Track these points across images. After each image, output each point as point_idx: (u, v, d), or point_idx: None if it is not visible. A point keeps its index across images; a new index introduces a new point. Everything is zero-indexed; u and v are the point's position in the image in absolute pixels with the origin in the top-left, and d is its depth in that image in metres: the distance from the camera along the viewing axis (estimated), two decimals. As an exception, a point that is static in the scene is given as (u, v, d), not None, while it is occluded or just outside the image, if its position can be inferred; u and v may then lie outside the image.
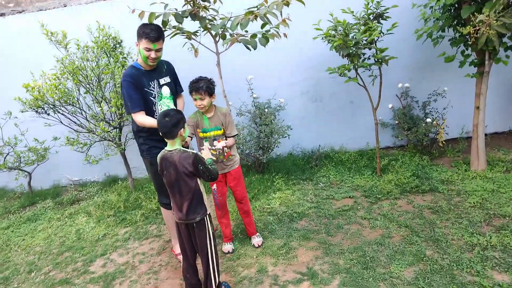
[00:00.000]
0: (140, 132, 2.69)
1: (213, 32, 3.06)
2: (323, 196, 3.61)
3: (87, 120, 3.92)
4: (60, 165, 4.74)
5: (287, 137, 3.97)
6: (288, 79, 4.45)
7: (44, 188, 4.86)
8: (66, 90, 3.61)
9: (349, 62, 3.51)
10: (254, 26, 2.79)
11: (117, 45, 3.94)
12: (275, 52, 4.26)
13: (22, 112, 3.56)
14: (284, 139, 4.17)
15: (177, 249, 2.95)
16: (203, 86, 2.54)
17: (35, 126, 4.26)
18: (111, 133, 3.86)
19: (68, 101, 3.60)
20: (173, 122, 2.10)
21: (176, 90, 2.89)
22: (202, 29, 3.13)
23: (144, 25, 2.54)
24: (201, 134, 2.72)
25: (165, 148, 2.20)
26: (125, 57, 3.99)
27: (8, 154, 4.19)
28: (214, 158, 2.53)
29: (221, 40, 3.11)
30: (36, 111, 3.66)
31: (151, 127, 2.51)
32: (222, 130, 2.71)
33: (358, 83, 3.57)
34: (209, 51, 3.15)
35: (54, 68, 3.61)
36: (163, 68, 2.76)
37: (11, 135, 4.28)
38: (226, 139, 2.71)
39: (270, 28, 2.91)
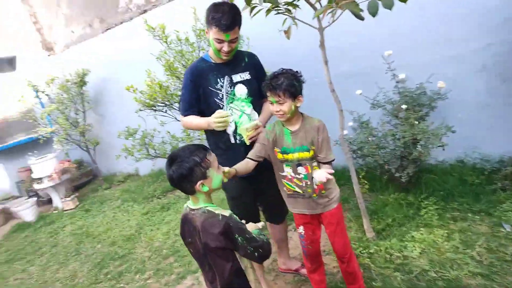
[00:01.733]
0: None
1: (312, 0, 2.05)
2: (505, 255, 2.12)
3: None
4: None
5: (441, 147, 2.49)
6: (452, 49, 2.83)
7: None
8: (168, 88, 3.42)
9: None
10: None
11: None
12: (427, 8, 2.73)
13: (139, 111, 3.63)
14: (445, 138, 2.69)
15: (287, 264, 2.50)
16: (282, 84, 1.69)
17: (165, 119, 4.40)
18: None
19: (172, 99, 3.41)
20: (179, 173, 1.33)
21: (261, 90, 2.12)
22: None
23: (214, 5, 1.85)
24: (279, 156, 1.86)
25: (187, 203, 1.49)
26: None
27: (148, 145, 4.54)
28: (260, 226, 1.67)
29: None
30: (152, 109, 3.67)
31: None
32: (312, 152, 1.78)
33: None
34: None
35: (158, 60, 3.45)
36: (242, 61, 2.05)
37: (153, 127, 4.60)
38: (318, 166, 1.81)
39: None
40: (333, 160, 1.80)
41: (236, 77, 2.00)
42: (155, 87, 3.34)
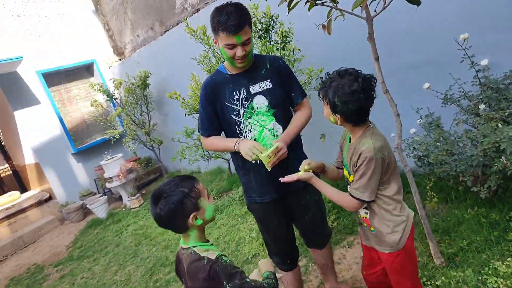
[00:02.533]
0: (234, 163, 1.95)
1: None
2: None
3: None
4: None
5: None
6: None
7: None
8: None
9: None
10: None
11: (271, 23, 3.14)
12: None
13: (188, 115, 3.57)
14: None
15: None
16: (327, 95, 1.38)
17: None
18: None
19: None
20: (168, 209, 1.18)
21: (290, 99, 1.85)
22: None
23: (216, 9, 1.62)
24: (344, 169, 1.61)
25: (180, 241, 1.33)
26: (285, 36, 3.13)
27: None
28: (272, 269, 1.41)
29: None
30: (199, 113, 3.58)
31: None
32: (352, 177, 1.47)
33: None
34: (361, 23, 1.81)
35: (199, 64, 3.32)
36: (262, 68, 1.78)
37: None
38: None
39: None
40: (360, 200, 1.40)
41: (254, 88, 1.74)
42: (199, 91, 3.24)
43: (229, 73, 1.77)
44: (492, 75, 2.32)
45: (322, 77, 1.47)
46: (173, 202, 1.19)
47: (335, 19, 1.91)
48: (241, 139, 1.73)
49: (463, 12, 2.48)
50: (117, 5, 6.55)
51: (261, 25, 3.12)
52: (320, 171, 1.61)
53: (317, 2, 1.88)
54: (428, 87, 2.45)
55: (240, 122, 1.75)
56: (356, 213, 1.55)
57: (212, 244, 1.34)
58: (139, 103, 5.79)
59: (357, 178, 1.40)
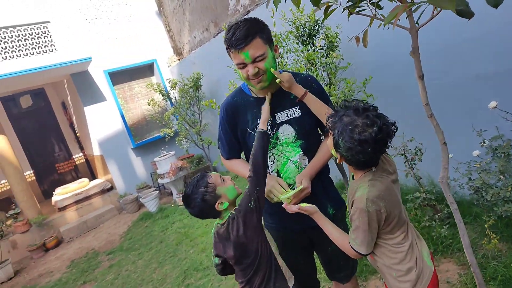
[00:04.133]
0: None
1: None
2: None
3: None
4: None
5: None
6: None
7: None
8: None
9: None
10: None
11: (315, 28, 2.91)
12: None
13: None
14: None
15: None
16: (333, 128, 1.19)
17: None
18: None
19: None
20: (198, 210, 1.44)
21: (322, 124, 1.61)
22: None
23: (228, 27, 1.48)
24: None
25: (216, 221, 1.53)
26: (331, 42, 2.88)
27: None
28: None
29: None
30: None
31: None
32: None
33: None
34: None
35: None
36: (290, 92, 1.57)
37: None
38: None
39: None
40: (358, 252, 1.22)
41: (281, 116, 1.57)
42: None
43: (253, 95, 1.61)
44: None
45: (343, 102, 1.26)
46: (198, 202, 1.42)
47: (364, 34, 1.66)
48: (277, 156, 1.60)
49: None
50: (177, 6, 6.78)
51: (305, 30, 2.91)
52: None
53: (356, 10, 1.67)
54: (495, 106, 2.05)
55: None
56: None
57: None
58: (191, 103, 5.94)
59: (353, 229, 1.22)
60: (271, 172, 1.61)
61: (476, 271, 1.74)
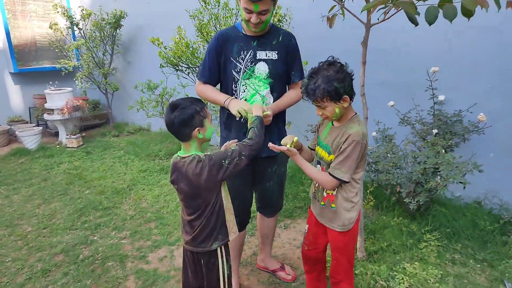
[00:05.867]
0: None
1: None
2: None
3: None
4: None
5: (461, 185, 2.25)
6: (503, 84, 2.56)
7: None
8: (196, 49, 3.24)
9: None
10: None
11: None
12: (495, 33, 2.49)
13: (162, 67, 3.49)
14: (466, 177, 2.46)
15: (266, 263, 2.36)
16: (318, 88, 1.42)
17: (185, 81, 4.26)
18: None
19: (197, 62, 3.24)
20: (181, 119, 1.43)
21: (288, 75, 1.95)
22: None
23: None
24: (317, 147, 1.71)
25: (179, 152, 1.55)
26: (279, 21, 3.20)
27: (163, 103, 4.43)
28: (260, 114, 1.68)
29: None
30: (175, 69, 3.52)
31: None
32: (332, 156, 1.56)
33: None
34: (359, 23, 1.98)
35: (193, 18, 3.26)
36: (274, 39, 1.86)
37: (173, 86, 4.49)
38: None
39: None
40: (341, 180, 1.51)
41: (261, 54, 1.83)
42: (182, 46, 3.18)
43: (243, 32, 1.84)
44: (445, 110, 2.67)
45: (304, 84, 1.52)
46: (187, 114, 1.42)
47: (332, 16, 2.06)
48: (232, 97, 1.81)
49: (439, 50, 2.79)
50: None
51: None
52: (298, 149, 1.72)
53: None
54: (392, 105, 2.73)
55: (238, 80, 1.83)
56: (322, 190, 1.67)
57: None
58: (104, 41, 5.42)
59: (341, 160, 1.48)
60: (240, 98, 1.85)
61: (361, 218, 2.34)
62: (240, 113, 1.70)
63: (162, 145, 5.05)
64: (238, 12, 3.18)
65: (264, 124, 1.65)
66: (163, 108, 4.49)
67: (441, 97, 2.65)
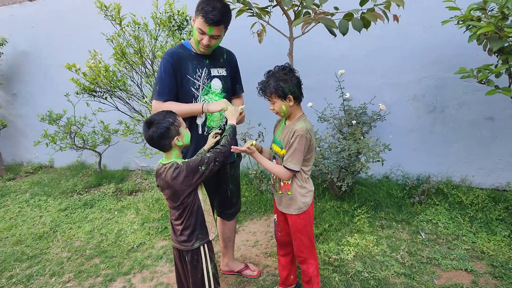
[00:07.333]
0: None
1: (285, 8, 2.16)
2: (421, 257, 2.45)
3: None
4: (130, 148, 4.48)
5: (379, 162, 2.80)
6: (395, 78, 3.24)
7: (115, 169, 4.79)
8: (115, 73, 3.17)
9: (501, 62, 2.21)
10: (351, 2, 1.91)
11: (184, 23, 3.33)
12: (379, 40, 3.11)
13: (77, 94, 3.28)
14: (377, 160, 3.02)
15: (230, 266, 2.48)
16: (269, 86, 1.72)
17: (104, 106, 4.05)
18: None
19: (118, 85, 3.16)
20: (159, 133, 1.59)
21: (234, 88, 2.17)
22: (273, 5, 2.29)
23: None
24: (272, 144, 1.95)
25: (161, 160, 1.73)
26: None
27: (75, 134, 4.09)
28: (234, 122, 1.89)
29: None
30: (91, 95, 3.33)
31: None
32: (284, 151, 1.81)
33: (513, 97, 2.22)
34: (284, 37, 2.27)
35: (110, 44, 3.16)
36: (220, 57, 2.06)
37: (81, 114, 4.18)
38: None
39: (375, 5, 1.94)
40: (293, 171, 1.76)
41: (214, 71, 2.00)
42: (101, 70, 3.04)
43: (194, 51, 1.96)
44: (352, 105, 3.21)
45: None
46: (163, 127, 1.58)
47: (260, 32, 2.35)
48: (208, 102, 1.95)
49: (344, 55, 3.32)
50: None
51: (175, 22, 3.27)
52: (259, 151, 1.93)
53: (249, 12, 2.29)
54: (311, 106, 3.15)
55: (198, 96, 1.95)
56: (279, 181, 1.90)
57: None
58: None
59: (291, 153, 1.76)
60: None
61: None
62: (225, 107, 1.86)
63: (75, 179, 4.62)
64: (158, 34, 3.20)
65: (236, 133, 1.82)
66: (74, 139, 4.12)
67: (346, 95, 3.18)
